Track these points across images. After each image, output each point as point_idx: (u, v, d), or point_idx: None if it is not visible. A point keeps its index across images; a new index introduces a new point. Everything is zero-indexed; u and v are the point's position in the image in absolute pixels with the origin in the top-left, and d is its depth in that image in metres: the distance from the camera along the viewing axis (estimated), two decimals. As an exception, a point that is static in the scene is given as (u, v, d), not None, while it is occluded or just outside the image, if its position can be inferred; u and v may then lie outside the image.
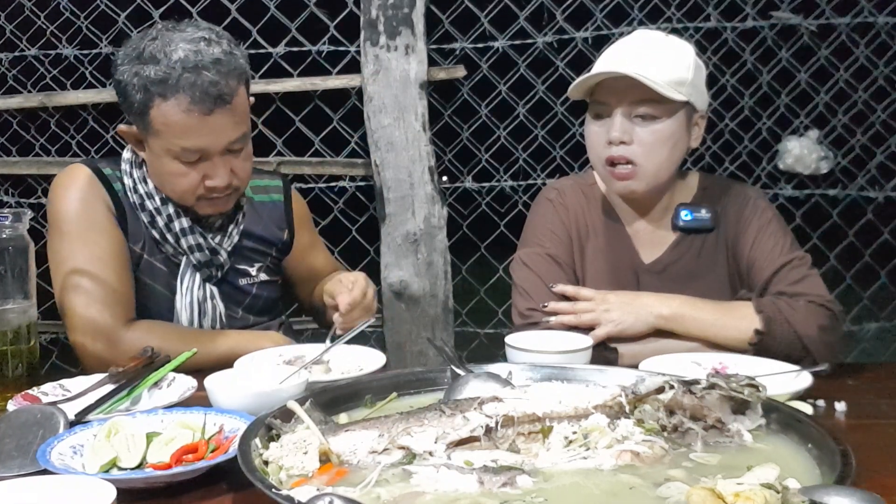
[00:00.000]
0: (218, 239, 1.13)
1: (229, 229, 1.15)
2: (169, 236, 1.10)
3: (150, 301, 1.11)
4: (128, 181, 1.10)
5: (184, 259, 1.11)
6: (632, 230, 1.16)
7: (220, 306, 1.14)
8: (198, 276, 1.12)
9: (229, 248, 1.15)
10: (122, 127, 1.08)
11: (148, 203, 1.09)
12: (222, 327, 1.14)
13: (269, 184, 1.25)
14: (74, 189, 1.08)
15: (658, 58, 1.04)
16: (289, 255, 1.27)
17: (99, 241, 1.06)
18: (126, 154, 1.12)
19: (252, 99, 1.10)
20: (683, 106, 1.06)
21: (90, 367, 1.02)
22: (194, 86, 0.98)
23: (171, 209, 1.09)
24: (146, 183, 1.10)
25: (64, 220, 1.07)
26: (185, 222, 1.10)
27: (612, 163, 1.07)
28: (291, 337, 1.22)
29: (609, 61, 1.06)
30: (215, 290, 1.14)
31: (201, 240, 1.11)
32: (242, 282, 1.17)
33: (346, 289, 1.07)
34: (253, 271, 1.19)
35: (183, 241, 1.10)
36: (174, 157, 1.03)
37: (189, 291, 1.11)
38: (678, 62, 1.05)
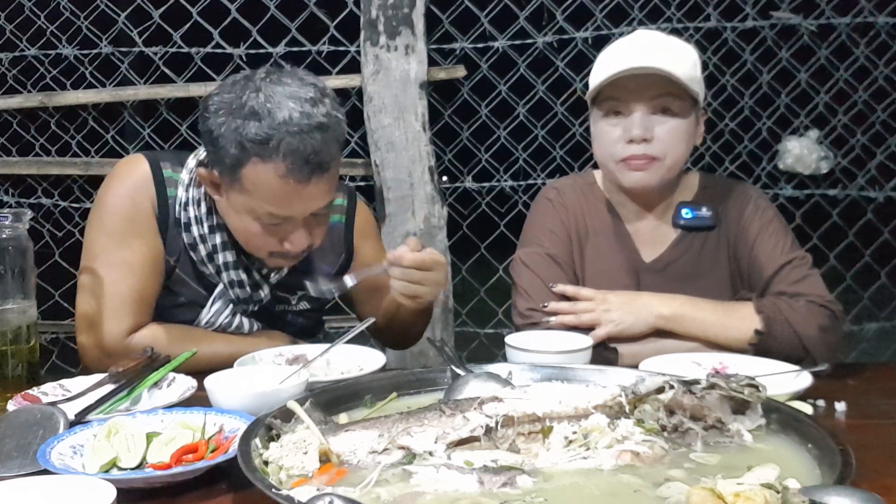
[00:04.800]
0: (265, 271, 1.09)
1: None
2: (210, 266, 1.05)
3: (173, 311, 1.09)
4: (182, 194, 1.04)
5: (220, 286, 1.07)
6: (632, 229, 1.15)
7: (252, 324, 1.09)
8: (230, 306, 1.08)
9: (275, 282, 1.10)
10: (201, 171, 1.00)
11: (195, 228, 1.04)
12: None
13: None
14: (128, 184, 1.04)
15: (673, 55, 1.04)
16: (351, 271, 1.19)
17: (134, 244, 1.02)
18: (191, 162, 1.05)
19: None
20: (695, 103, 1.06)
21: (90, 368, 1.02)
22: (296, 152, 0.91)
23: (217, 239, 1.04)
24: (198, 206, 1.04)
25: (107, 214, 1.04)
26: (231, 256, 1.05)
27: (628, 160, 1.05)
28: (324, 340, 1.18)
29: (628, 58, 1.03)
30: (246, 321, 1.09)
31: (244, 276, 1.06)
32: (279, 308, 1.13)
33: (415, 247, 0.95)
34: (294, 300, 1.14)
35: (224, 275, 1.05)
36: (255, 217, 0.96)
37: (216, 315, 1.08)
38: (688, 59, 1.05)
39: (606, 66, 1.05)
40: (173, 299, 1.09)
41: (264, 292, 1.09)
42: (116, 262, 1.02)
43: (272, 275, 1.10)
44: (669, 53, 1.04)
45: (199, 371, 0.90)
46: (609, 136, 1.06)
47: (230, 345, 1.05)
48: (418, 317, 1.16)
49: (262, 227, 0.97)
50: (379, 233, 1.28)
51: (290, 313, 1.15)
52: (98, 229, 1.05)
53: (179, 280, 1.08)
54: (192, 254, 1.06)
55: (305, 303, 1.16)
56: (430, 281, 0.96)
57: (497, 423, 0.67)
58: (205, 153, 1.01)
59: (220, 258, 1.05)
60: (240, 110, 0.92)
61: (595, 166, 1.21)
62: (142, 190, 1.04)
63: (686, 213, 1.13)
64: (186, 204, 1.04)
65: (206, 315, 1.08)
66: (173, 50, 1.93)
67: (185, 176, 1.05)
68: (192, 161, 1.06)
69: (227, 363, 0.93)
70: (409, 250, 0.95)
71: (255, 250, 1.02)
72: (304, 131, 0.91)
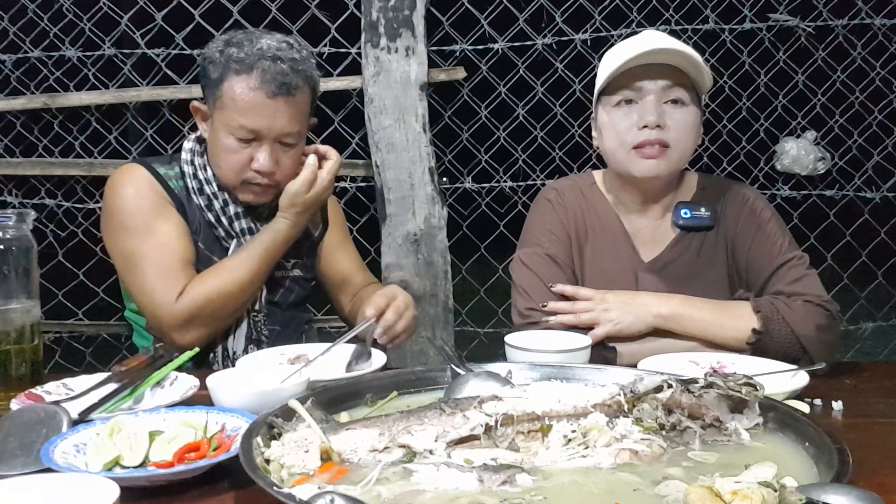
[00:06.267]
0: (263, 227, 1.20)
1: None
2: (223, 219, 1.18)
3: None
4: (188, 168, 1.18)
5: (234, 242, 1.18)
6: (631, 229, 1.16)
7: (264, 288, 1.19)
8: None
9: None
10: (194, 103, 1.18)
11: (206, 187, 1.17)
12: (260, 308, 1.19)
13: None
14: (131, 185, 1.15)
15: (684, 47, 1.06)
16: (320, 248, 1.31)
17: (163, 227, 1.13)
18: (188, 145, 1.21)
19: (314, 120, 1.21)
20: (699, 98, 1.08)
21: (168, 345, 1.08)
22: (267, 71, 1.09)
23: (226, 195, 1.18)
24: (205, 170, 1.18)
25: (127, 216, 1.14)
26: (239, 207, 1.18)
27: (641, 146, 1.06)
28: (315, 338, 1.27)
29: (643, 46, 1.04)
30: None
31: (252, 224, 1.19)
32: (277, 273, 1.23)
33: (382, 304, 1.05)
34: (288, 265, 1.25)
35: (236, 224, 1.18)
36: (230, 132, 1.11)
37: None
38: (696, 56, 1.06)
39: (619, 56, 1.06)
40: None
41: None
42: (153, 248, 1.11)
43: None
44: (682, 46, 1.06)
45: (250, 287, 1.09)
46: (622, 123, 1.07)
47: (255, 241, 1.13)
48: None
49: (236, 143, 1.12)
50: (346, 223, 1.40)
51: (288, 279, 1.25)
52: (123, 233, 1.14)
53: (200, 256, 1.17)
54: (208, 215, 1.17)
55: (298, 270, 1.27)
56: (410, 318, 1.09)
57: (497, 421, 0.67)
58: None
59: (232, 209, 1.18)
60: (229, 42, 1.13)
61: (595, 167, 1.21)
62: (150, 188, 1.16)
63: (685, 213, 1.14)
64: (195, 172, 1.18)
65: None
66: (175, 52, 1.94)
67: (185, 155, 1.19)
68: (187, 143, 1.21)
69: (269, 254, 1.11)
70: (385, 305, 1.04)
71: (230, 174, 1.14)
72: (277, 58, 1.10)
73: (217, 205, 1.17)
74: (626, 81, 1.06)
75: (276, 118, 1.10)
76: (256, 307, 1.19)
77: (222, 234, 1.18)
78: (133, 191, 1.14)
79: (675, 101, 1.05)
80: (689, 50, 1.05)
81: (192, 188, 1.17)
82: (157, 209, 1.14)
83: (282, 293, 1.24)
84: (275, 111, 1.09)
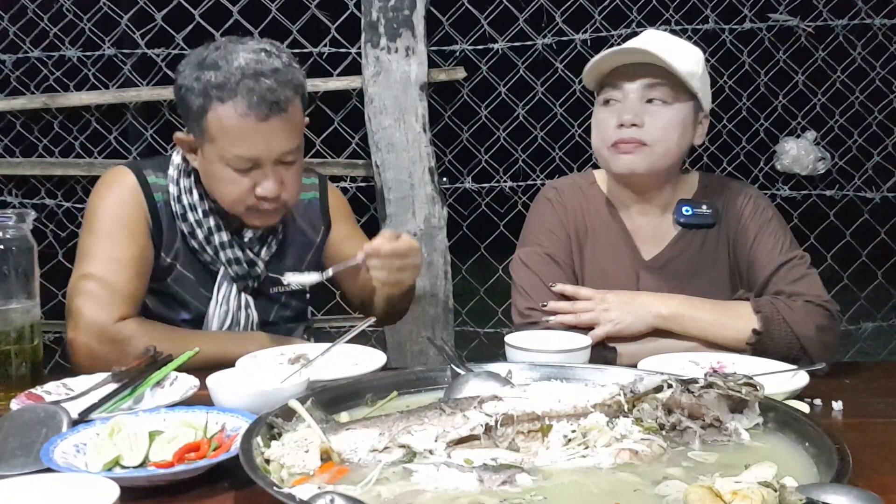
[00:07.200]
0: (256, 249, 1.14)
1: (269, 240, 1.16)
2: (208, 248, 1.10)
3: (178, 310, 1.12)
4: (173, 189, 1.10)
5: (222, 269, 1.12)
6: (632, 227, 1.16)
7: (255, 315, 1.15)
8: (234, 286, 1.13)
9: (267, 259, 1.16)
10: (177, 134, 1.08)
11: (190, 214, 1.09)
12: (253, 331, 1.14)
13: (304, 182, 1.22)
14: (115, 191, 1.09)
15: (674, 48, 1.06)
16: (326, 247, 1.25)
17: (123, 242, 1.06)
18: (176, 158, 1.12)
19: (307, 119, 1.11)
20: (692, 98, 1.08)
21: (80, 364, 1.02)
22: (252, 91, 0.98)
23: (211, 222, 1.10)
24: (191, 194, 1.10)
25: (97, 219, 1.08)
26: (225, 236, 1.10)
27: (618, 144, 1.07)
28: (313, 338, 1.24)
29: (625, 46, 1.07)
30: (251, 299, 1.15)
31: (240, 253, 1.12)
32: (273, 290, 1.18)
33: (390, 238, 1.00)
34: (284, 280, 1.17)
35: (222, 255, 1.11)
36: (226, 164, 1.02)
37: (225, 301, 1.12)
38: (689, 57, 1.07)
39: (599, 57, 1.07)
40: (178, 301, 1.12)
41: (260, 268, 1.15)
42: (106, 257, 1.05)
43: (263, 250, 1.15)
44: (668, 46, 1.06)
45: (195, 368, 0.92)
46: (605, 122, 1.09)
47: (217, 343, 1.06)
48: (402, 294, 1.18)
49: (234, 173, 1.03)
50: (352, 213, 1.33)
51: (284, 294, 1.20)
52: (89, 235, 1.09)
53: (180, 277, 1.11)
54: (191, 242, 1.10)
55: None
56: (409, 266, 1.02)
57: (497, 421, 0.67)
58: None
59: (217, 239, 1.10)
60: (202, 64, 1.01)
61: (595, 166, 1.22)
62: (131, 198, 1.09)
63: (686, 210, 1.14)
64: (179, 195, 1.10)
65: (214, 306, 1.12)
66: (175, 52, 1.94)
67: (172, 172, 1.11)
68: (176, 157, 1.12)
69: (214, 363, 0.95)
70: (385, 241, 1.00)
71: (233, 204, 1.06)
72: (259, 73, 0.99)
73: (201, 234, 1.09)
74: (612, 81, 1.08)
75: (272, 140, 1.01)
76: (247, 331, 1.13)
77: (208, 259, 1.11)
78: (114, 199, 1.08)
79: (656, 100, 1.06)
80: (664, 50, 1.04)
81: (176, 213, 1.09)
82: (128, 221, 1.07)
83: (276, 310, 1.19)
84: (269, 134, 1.00)
